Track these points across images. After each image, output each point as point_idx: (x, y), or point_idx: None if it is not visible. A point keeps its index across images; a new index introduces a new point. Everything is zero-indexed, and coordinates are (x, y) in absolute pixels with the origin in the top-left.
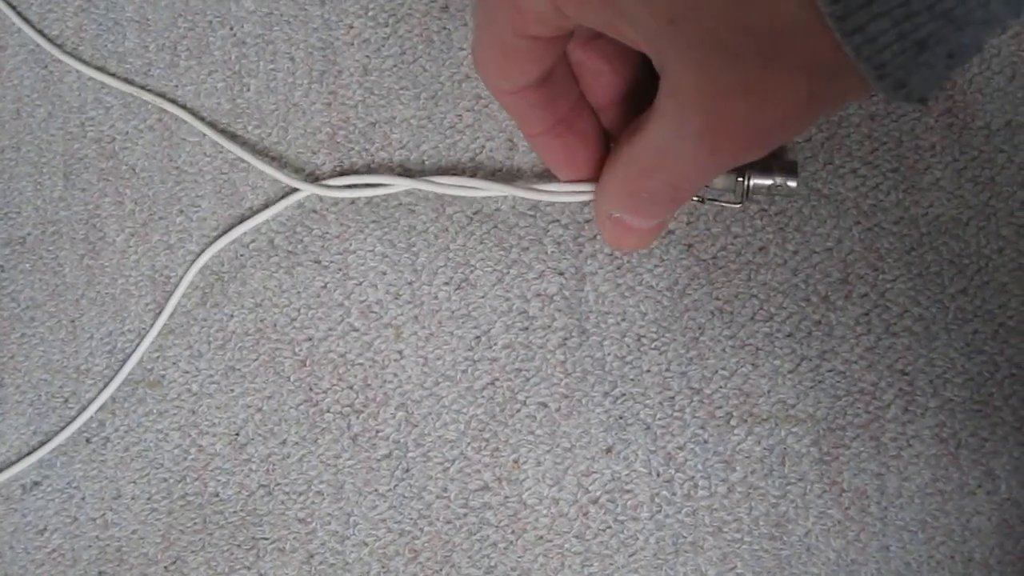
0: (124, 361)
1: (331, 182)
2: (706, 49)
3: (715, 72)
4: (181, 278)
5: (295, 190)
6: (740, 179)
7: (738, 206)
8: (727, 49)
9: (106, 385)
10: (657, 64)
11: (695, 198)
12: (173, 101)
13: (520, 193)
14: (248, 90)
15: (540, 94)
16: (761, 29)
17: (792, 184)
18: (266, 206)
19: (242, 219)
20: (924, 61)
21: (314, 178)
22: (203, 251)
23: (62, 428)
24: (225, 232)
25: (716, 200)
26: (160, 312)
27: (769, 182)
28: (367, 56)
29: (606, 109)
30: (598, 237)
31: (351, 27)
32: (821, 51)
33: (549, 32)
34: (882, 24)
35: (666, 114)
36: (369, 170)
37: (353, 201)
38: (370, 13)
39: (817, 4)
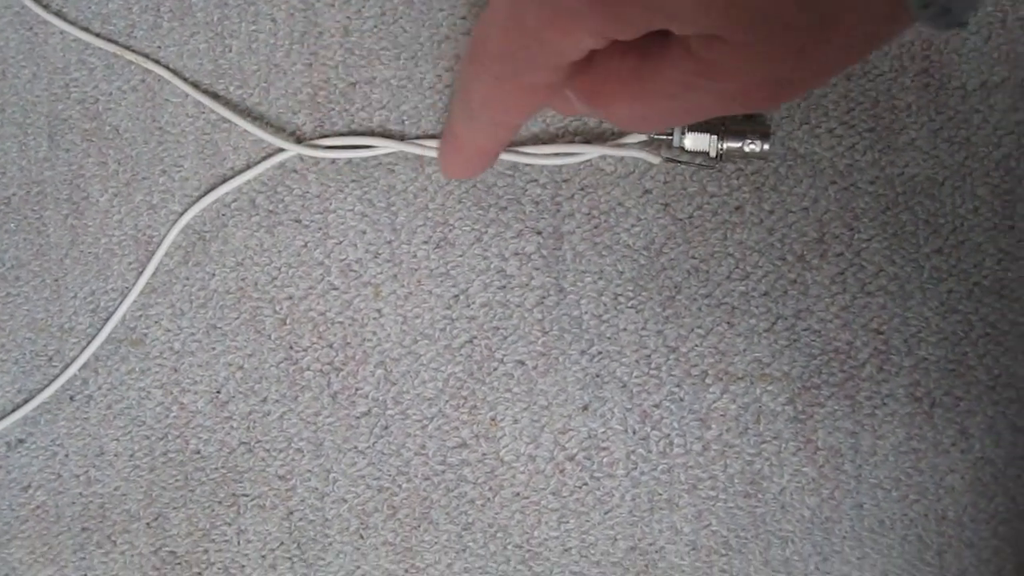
0: (107, 319)
1: (317, 143)
2: (761, 29)
3: (766, 46)
4: (164, 237)
5: (280, 150)
6: (714, 141)
7: (712, 168)
8: (784, 24)
9: (89, 343)
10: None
11: (670, 159)
12: (156, 62)
13: (501, 155)
14: (230, 51)
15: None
16: None
17: (765, 147)
18: (247, 166)
19: (224, 179)
20: None
21: (296, 138)
22: (185, 211)
23: (46, 386)
24: (207, 192)
25: (691, 162)
26: (143, 271)
27: (741, 144)
28: (348, 17)
29: None
30: (575, 196)
31: None
32: (872, 2)
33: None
34: None
35: (685, 65)
36: (350, 130)
37: (334, 161)
38: None
39: None
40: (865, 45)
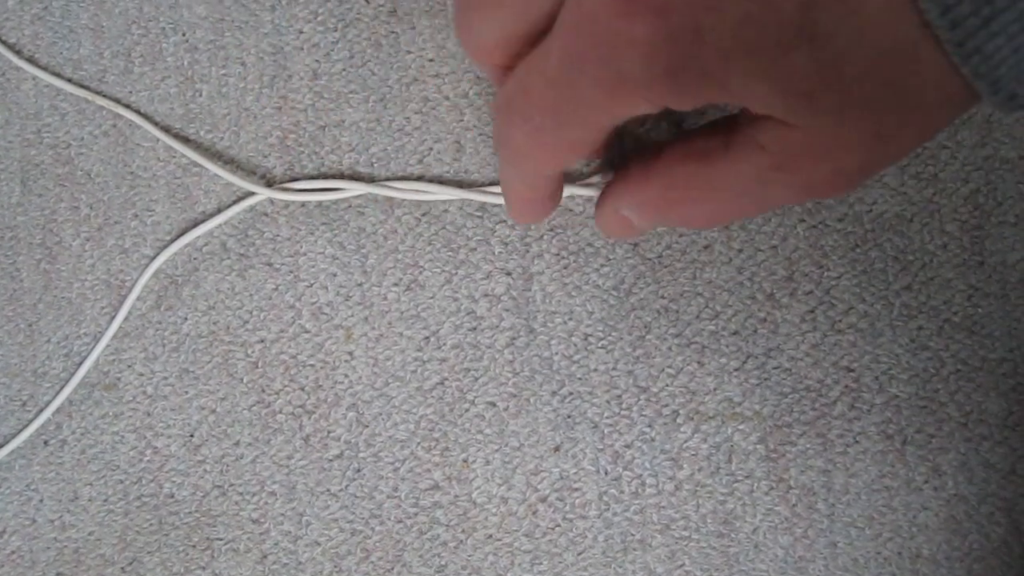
0: (80, 364)
1: (287, 186)
2: (845, 113)
3: (842, 130)
4: (136, 282)
5: (250, 194)
6: None
7: None
8: (864, 106)
9: (62, 388)
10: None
11: None
12: (127, 107)
13: (470, 196)
14: (200, 95)
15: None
16: (900, 81)
17: None
18: (219, 210)
19: (195, 223)
20: None
21: (266, 182)
22: (157, 255)
23: (20, 430)
24: (179, 236)
25: None
26: (115, 315)
27: None
28: (317, 61)
29: None
30: (545, 237)
31: (301, 32)
32: (948, 83)
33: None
34: (998, 42)
35: (764, 149)
36: (320, 173)
37: (304, 204)
38: (319, 18)
39: (937, 34)
40: (935, 126)
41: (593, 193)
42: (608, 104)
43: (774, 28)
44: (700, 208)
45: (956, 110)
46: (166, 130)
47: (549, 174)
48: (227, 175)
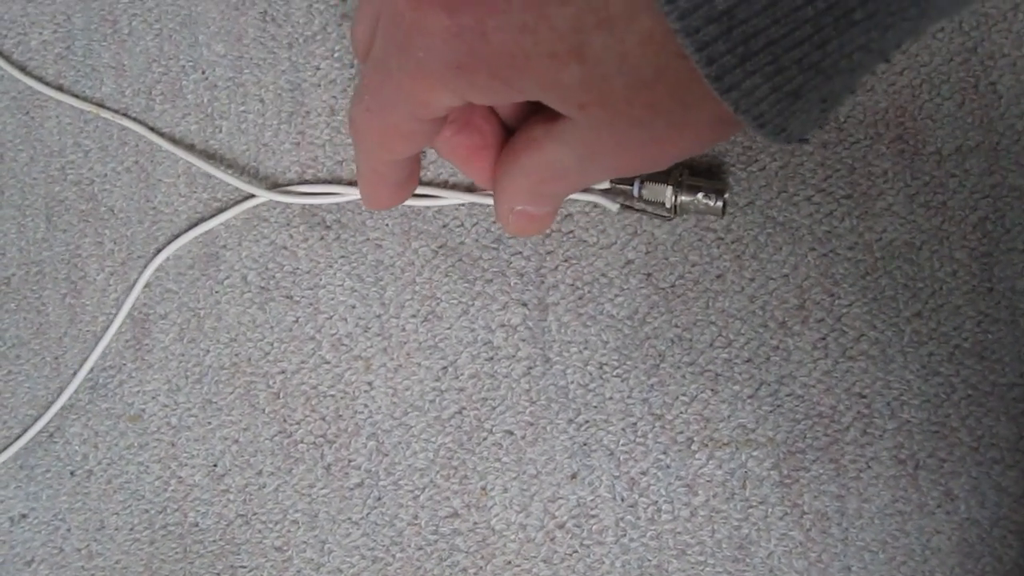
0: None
1: (291, 189)
2: (615, 124)
3: (622, 136)
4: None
5: (251, 195)
6: (670, 194)
7: (668, 219)
8: (634, 121)
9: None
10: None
11: (627, 207)
12: (149, 142)
13: (477, 199)
14: (220, 131)
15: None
16: (664, 104)
17: (719, 203)
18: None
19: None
20: (799, 108)
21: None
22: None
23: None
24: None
25: (645, 211)
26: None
27: (694, 198)
28: (334, 97)
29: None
30: (559, 268)
31: (318, 69)
32: (716, 108)
33: (447, 112)
34: (756, 80)
35: (570, 143)
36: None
37: (323, 237)
38: (336, 55)
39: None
40: (712, 138)
41: (586, 198)
42: (414, 90)
43: (548, 41)
44: (559, 184)
45: (733, 127)
46: (188, 165)
47: (388, 159)
48: (230, 179)
